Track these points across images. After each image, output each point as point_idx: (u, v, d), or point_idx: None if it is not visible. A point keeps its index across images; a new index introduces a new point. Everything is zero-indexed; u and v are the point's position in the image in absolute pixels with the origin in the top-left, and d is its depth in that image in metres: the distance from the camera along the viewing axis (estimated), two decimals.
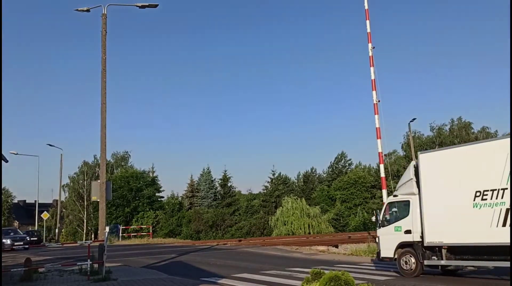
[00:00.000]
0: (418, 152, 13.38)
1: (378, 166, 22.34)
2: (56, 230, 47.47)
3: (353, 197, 51.45)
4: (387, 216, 14.04)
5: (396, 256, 13.01)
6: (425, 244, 12.21)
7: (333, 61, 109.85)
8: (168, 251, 24.16)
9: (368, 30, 21.74)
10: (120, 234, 42.14)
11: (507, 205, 10.72)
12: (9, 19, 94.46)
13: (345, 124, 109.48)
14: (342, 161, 62.14)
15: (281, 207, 43.03)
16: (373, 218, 17.45)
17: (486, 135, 63.13)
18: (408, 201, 13.12)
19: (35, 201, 50.01)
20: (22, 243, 29.50)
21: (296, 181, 63.24)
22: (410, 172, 13.49)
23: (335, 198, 52.38)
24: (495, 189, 11.09)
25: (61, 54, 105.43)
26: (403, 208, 13.39)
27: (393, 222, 13.55)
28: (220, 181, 53.11)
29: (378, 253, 13.88)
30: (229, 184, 52.72)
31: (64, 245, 31.72)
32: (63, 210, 54.21)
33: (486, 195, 11.21)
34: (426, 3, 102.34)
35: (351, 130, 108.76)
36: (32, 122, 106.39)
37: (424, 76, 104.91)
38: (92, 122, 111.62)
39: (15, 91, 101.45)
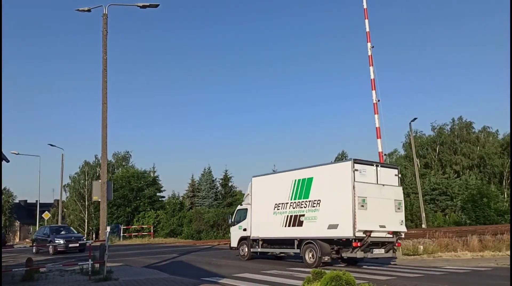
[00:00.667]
0: (252, 177, 19.08)
1: None
2: None
3: None
4: (236, 218, 20.10)
5: (237, 246, 19.25)
6: (251, 238, 18.26)
7: (334, 60, 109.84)
8: (169, 251, 24.18)
9: (367, 29, 21.69)
10: (121, 234, 42.19)
11: (289, 213, 16.79)
12: (10, 19, 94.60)
13: (346, 123, 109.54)
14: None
15: None
16: (229, 221, 21.05)
17: (487, 135, 63.14)
18: (246, 209, 19.13)
19: (36, 201, 50.02)
20: (77, 244, 24.22)
21: None
22: (249, 188, 19.32)
23: None
24: (284, 203, 17.10)
25: (62, 54, 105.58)
26: (244, 213, 19.32)
27: (238, 223, 19.60)
28: (221, 181, 53.11)
29: (230, 244, 20.49)
30: (230, 184, 52.70)
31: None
32: (64, 210, 54.25)
33: (279, 207, 17.27)
34: (427, 2, 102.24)
35: (351, 130, 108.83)
36: (33, 122, 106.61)
37: (425, 76, 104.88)
38: (93, 122, 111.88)
39: (16, 91, 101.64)
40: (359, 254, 14.44)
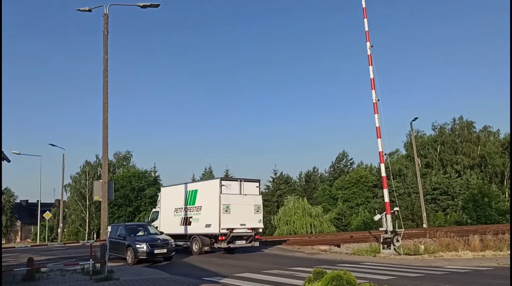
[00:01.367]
0: (161, 187, 26.05)
1: (380, 165, 22.27)
2: (59, 230, 47.52)
3: (355, 197, 51.42)
4: (151, 218, 25.35)
5: None
6: None
7: (335, 59, 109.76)
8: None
9: (366, 29, 21.57)
10: None
11: (183, 216, 22.44)
12: (10, 19, 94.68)
13: (346, 123, 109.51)
14: (344, 161, 62.16)
15: (283, 207, 43.03)
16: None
17: (488, 134, 63.09)
18: (158, 211, 24.60)
19: (38, 201, 49.99)
20: (165, 250, 17.57)
21: (298, 180, 63.27)
22: (159, 196, 25.45)
23: (337, 197, 52.36)
24: (180, 208, 22.71)
25: (63, 54, 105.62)
26: (156, 214, 24.84)
27: (153, 222, 24.35)
28: None
29: None
30: None
31: (66, 244, 31.64)
32: (65, 209, 54.28)
33: (178, 210, 22.94)
34: (428, 1, 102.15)
35: (352, 129, 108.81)
36: (34, 122, 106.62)
37: (426, 76, 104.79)
38: (94, 122, 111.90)
39: (17, 91, 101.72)
40: (223, 245, 20.04)
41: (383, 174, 20.85)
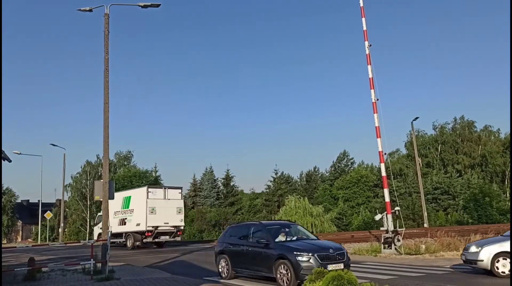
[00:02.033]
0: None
1: (380, 165, 22.24)
2: (60, 230, 47.56)
3: (356, 196, 51.38)
4: (96, 221, 30.62)
5: (97, 239, 26.17)
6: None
7: (335, 59, 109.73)
8: (170, 250, 24.19)
9: (364, 28, 21.50)
10: None
11: (120, 217, 27.53)
12: (11, 19, 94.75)
13: (347, 123, 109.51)
14: (345, 160, 62.13)
15: (284, 206, 43.01)
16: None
17: (489, 134, 63.01)
18: (102, 215, 27.52)
19: (38, 200, 50.08)
20: (341, 265, 10.64)
21: (298, 180, 63.29)
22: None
23: (338, 197, 52.34)
24: (118, 211, 27.55)
25: (64, 54, 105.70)
26: (101, 218, 25.62)
27: (98, 224, 28.79)
28: (222, 180, 53.20)
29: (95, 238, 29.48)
30: (231, 183, 52.79)
31: (67, 244, 31.69)
32: (66, 209, 54.31)
33: (117, 213, 27.65)
34: (429, 1, 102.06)
35: (352, 129, 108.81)
36: (35, 122, 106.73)
37: (427, 75, 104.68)
38: (95, 122, 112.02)
39: (17, 90, 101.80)
40: (150, 240, 25.32)
41: (383, 173, 20.83)
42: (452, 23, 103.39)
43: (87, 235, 52.81)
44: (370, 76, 21.02)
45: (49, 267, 15.03)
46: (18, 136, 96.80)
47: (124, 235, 26.71)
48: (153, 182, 49.84)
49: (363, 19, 21.65)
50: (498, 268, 11.53)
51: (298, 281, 10.05)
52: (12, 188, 70.56)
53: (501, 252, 11.55)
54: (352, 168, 60.26)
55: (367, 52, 21.28)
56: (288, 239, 11.54)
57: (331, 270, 8.84)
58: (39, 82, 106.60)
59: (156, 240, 25.85)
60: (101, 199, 15.42)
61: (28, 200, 77.41)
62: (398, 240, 18.96)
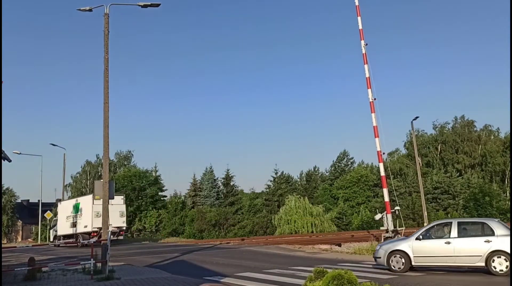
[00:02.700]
0: (58, 202, 36.42)
1: (379, 165, 22.24)
2: None
3: (356, 196, 51.37)
4: (52, 224, 35.69)
5: (53, 240, 34.10)
6: (58, 235, 33.29)
7: (335, 59, 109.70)
8: (171, 250, 24.19)
9: (360, 27, 21.47)
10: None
11: (72, 220, 31.70)
12: (11, 19, 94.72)
13: (347, 122, 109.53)
14: (345, 160, 62.11)
15: (284, 206, 43.01)
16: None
17: (488, 133, 63.00)
18: (57, 219, 34.49)
19: (39, 200, 50.05)
20: None
21: (298, 180, 63.25)
22: (58, 207, 34.58)
23: (338, 197, 52.33)
24: (70, 215, 31.78)
25: (63, 54, 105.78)
26: (56, 222, 34.31)
27: (54, 227, 34.71)
28: (222, 180, 53.17)
29: (50, 239, 35.37)
30: (231, 183, 52.76)
31: (67, 244, 31.77)
32: None
33: (68, 217, 31.92)
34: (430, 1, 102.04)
35: (352, 129, 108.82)
36: (35, 122, 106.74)
37: (427, 75, 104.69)
38: (95, 122, 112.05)
39: (18, 90, 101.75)
40: (95, 239, 26.54)
41: (382, 173, 20.85)
42: (451, 23, 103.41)
43: None
44: (367, 75, 20.97)
45: (49, 267, 15.03)
46: (18, 136, 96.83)
47: (75, 235, 31.19)
48: (153, 181, 49.92)
49: (359, 18, 21.62)
50: (392, 264, 13.08)
51: None
52: (12, 188, 70.69)
53: (394, 250, 13.13)
54: (352, 167, 60.24)
55: (363, 51, 21.23)
56: None
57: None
58: (39, 82, 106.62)
59: (101, 238, 28.34)
60: (101, 199, 15.41)
61: (28, 200, 77.43)
62: None
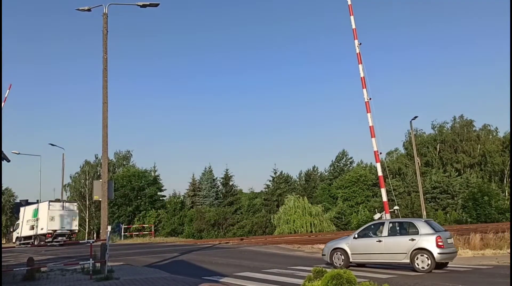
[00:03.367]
0: (20, 207, 40.47)
1: (376, 165, 22.20)
2: None
3: (355, 196, 51.38)
4: (15, 228, 38.27)
5: (15, 241, 37.29)
6: (20, 236, 36.48)
7: (335, 59, 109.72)
8: (170, 250, 24.18)
9: (353, 26, 21.38)
10: (122, 233, 42.20)
11: (31, 224, 35.45)
12: (11, 18, 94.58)
13: (346, 122, 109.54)
14: (343, 160, 62.14)
15: (283, 206, 43.01)
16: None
17: (487, 133, 63.06)
18: (19, 223, 37.59)
19: (38, 200, 49.96)
20: None
21: (297, 179, 63.23)
22: (21, 212, 38.15)
23: (337, 196, 52.34)
24: (30, 219, 36.14)
25: (62, 54, 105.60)
26: (18, 226, 37.47)
27: (16, 230, 37.72)
28: (221, 180, 53.15)
29: (13, 240, 37.91)
30: (230, 183, 52.74)
31: (66, 244, 31.76)
32: None
33: (29, 221, 36.15)
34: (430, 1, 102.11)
35: (352, 129, 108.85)
36: (34, 122, 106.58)
37: (426, 74, 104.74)
38: (94, 122, 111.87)
39: (17, 90, 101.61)
40: (50, 240, 32.44)
41: (380, 173, 20.85)
42: (451, 23, 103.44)
43: (86, 235, 52.80)
44: (362, 75, 20.86)
45: (48, 267, 15.01)
46: (17, 136, 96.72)
47: (34, 237, 35.03)
48: (152, 181, 49.91)
49: (352, 17, 21.53)
50: (334, 261, 14.27)
51: None
52: (11, 188, 70.56)
53: (336, 248, 14.35)
54: (351, 167, 60.26)
55: (357, 51, 21.11)
56: None
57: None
58: (38, 82, 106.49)
59: (55, 240, 33.73)
60: (100, 199, 15.40)
61: (27, 200, 77.09)
62: None
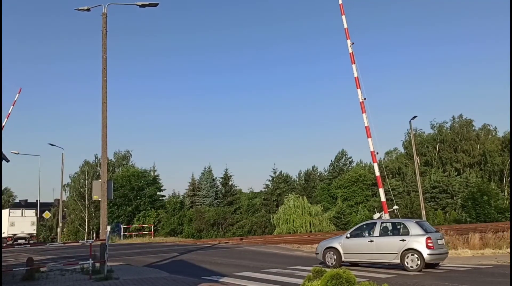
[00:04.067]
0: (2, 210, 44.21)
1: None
2: (58, 230, 47.51)
3: (354, 195, 51.40)
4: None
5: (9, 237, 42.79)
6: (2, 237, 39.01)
7: (335, 59, 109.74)
8: (169, 250, 24.16)
9: (345, 26, 21.24)
10: (122, 233, 42.15)
11: (6, 226, 43.27)
12: (10, 18, 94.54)
13: (346, 122, 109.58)
14: (343, 159, 62.15)
15: (282, 205, 43.01)
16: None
17: (487, 133, 63.11)
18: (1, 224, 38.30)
19: (37, 200, 49.97)
20: None
21: (297, 179, 63.24)
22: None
23: (336, 196, 52.36)
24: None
25: (62, 54, 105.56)
26: None
27: None
28: (221, 180, 53.16)
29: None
30: (230, 183, 52.74)
31: (66, 244, 31.65)
32: (65, 209, 54.23)
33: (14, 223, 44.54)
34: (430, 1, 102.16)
35: (351, 128, 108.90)
36: (34, 122, 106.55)
37: (426, 74, 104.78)
38: (93, 122, 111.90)
39: (16, 90, 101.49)
40: (11, 242, 36.79)
41: (377, 173, 20.83)
42: (451, 23, 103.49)
43: (86, 235, 52.77)
44: (355, 75, 20.74)
45: (48, 267, 14.99)
46: (16, 136, 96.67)
47: (13, 238, 39.85)
48: (152, 181, 49.89)
49: (343, 16, 21.42)
50: (327, 260, 14.48)
51: None
52: (11, 188, 70.62)
53: (329, 247, 14.56)
54: (350, 167, 60.27)
55: (350, 51, 20.98)
56: None
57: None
58: (38, 81, 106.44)
59: (15, 242, 38.87)
60: (100, 199, 15.41)
61: (27, 200, 77.22)
62: None
